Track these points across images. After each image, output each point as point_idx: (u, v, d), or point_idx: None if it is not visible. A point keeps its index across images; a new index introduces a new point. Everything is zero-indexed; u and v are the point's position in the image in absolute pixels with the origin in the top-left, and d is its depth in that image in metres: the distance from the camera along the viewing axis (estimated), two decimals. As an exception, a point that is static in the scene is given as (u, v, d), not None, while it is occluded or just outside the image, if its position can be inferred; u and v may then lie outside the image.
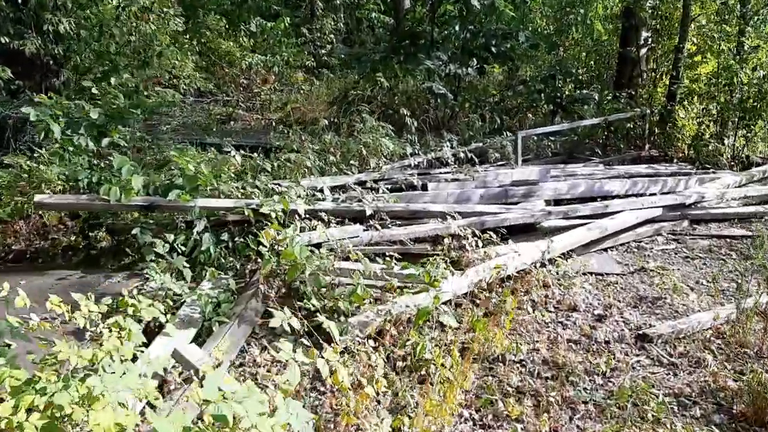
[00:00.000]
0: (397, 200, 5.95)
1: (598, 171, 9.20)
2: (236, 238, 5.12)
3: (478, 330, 4.03)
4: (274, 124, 8.74)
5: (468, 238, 5.43)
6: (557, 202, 7.51)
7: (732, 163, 10.26)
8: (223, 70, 17.27)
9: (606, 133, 11.67)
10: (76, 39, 8.75)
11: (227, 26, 17.36)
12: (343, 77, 16.03)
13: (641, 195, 7.99)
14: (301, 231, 5.20)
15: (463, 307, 4.80)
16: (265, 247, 4.51)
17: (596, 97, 11.66)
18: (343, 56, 12.94)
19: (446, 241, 5.38)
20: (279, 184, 6.40)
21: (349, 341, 4.00)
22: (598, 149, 10.92)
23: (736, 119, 10.51)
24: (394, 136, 9.31)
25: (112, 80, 5.94)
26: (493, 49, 11.65)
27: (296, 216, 5.35)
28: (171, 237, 5.07)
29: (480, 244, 5.54)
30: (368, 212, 5.59)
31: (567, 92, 12.89)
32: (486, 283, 5.00)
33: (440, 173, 8.32)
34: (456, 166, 8.59)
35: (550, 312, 5.07)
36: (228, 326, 4.11)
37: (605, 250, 6.49)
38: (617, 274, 5.88)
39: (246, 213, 5.05)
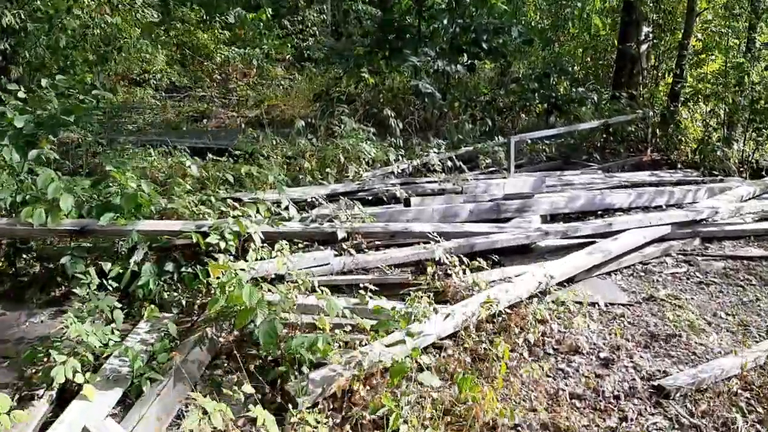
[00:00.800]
0: (374, 219, 5.30)
1: (597, 179, 8.59)
2: (183, 268, 4.45)
3: (464, 390, 3.39)
4: (243, 126, 8.04)
5: (455, 266, 4.79)
6: (554, 217, 6.92)
7: (741, 169, 9.68)
8: (199, 65, 16.53)
9: (605, 135, 11.06)
10: (23, 33, 8.03)
11: (204, 17, 16.59)
12: (327, 72, 15.33)
13: (646, 208, 7.41)
14: (261, 259, 4.54)
15: (448, 352, 4.17)
16: (212, 283, 3.85)
17: (594, 97, 11.03)
18: (325, 49, 12.23)
19: (430, 270, 4.73)
20: (240, 199, 5.73)
21: (308, 403, 3.36)
22: (596, 154, 10.30)
23: (746, 122, 9.92)
24: (376, 139, 8.67)
25: (44, 81, 5.18)
26: (484, 44, 11.01)
27: (254, 241, 4.69)
28: (108, 266, 4.40)
29: (468, 271, 4.90)
30: (340, 235, 4.94)
31: (562, 91, 12.28)
32: (475, 320, 4.37)
33: (426, 182, 7.67)
34: (444, 173, 7.94)
35: (549, 354, 4.45)
36: (161, 385, 3.45)
37: (608, 274, 5.87)
38: (624, 305, 5.26)
39: (194, 239, 4.38)
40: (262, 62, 16.75)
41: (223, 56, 15.35)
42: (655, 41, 12.31)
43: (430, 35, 11.97)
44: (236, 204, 5.46)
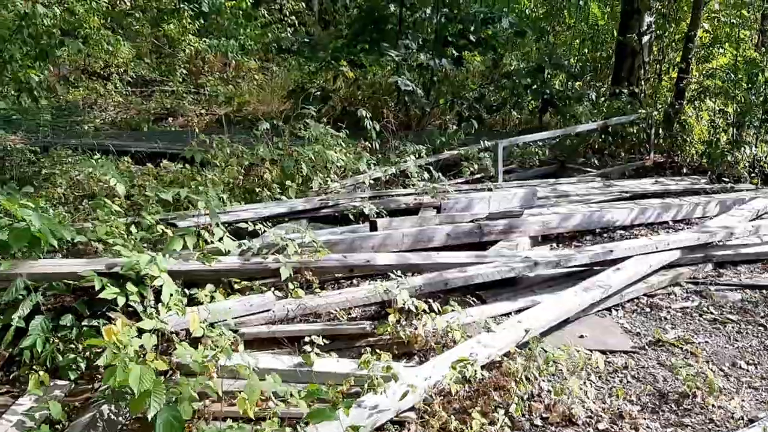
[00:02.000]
0: (327, 251, 4.50)
1: (595, 189, 7.84)
2: (86, 320, 3.66)
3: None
4: (197, 131, 7.25)
5: (421, 314, 4.03)
6: (546, 237, 6.16)
7: (752, 174, 8.95)
8: (167, 57, 15.68)
9: (603, 136, 10.30)
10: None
11: (177, 4, 15.71)
12: (304, 66, 14.50)
13: (651, 224, 6.67)
14: (181, 307, 3.76)
15: (410, 430, 3.40)
16: (112, 349, 3.06)
17: (593, 95, 10.26)
18: (302, 41, 11.42)
19: (392, 318, 3.96)
20: (175, 224, 4.95)
21: None
22: (594, 158, 9.54)
23: (758, 122, 9.17)
24: (350, 143, 7.88)
25: None
26: (472, 36, 10.24)
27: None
28: (-7, 317, 3.62)
29: (439, 316, 4.14)
30: (285, 274, 4.15)
31: (558, 87, 11.53)
32: (446, 384, 3.60)
33: (401, 195, 6.90)
34: (423, 182, 7.17)
35: (537, 426, 3.68)
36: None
37: (608, 310, 5.11)
38: (626, 352, 4.51)
39: (97, 284, 3.60)
40: (237, 54, 15.94)
41: (192, 48, 14.48)
42: (658, 32, 11.55)
43: (412, 26, 11.19)
44: (168, 231, 4.69)
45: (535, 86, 10.62)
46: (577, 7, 13.01)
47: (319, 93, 10.79)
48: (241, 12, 16.90)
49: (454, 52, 11.01)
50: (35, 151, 7.28)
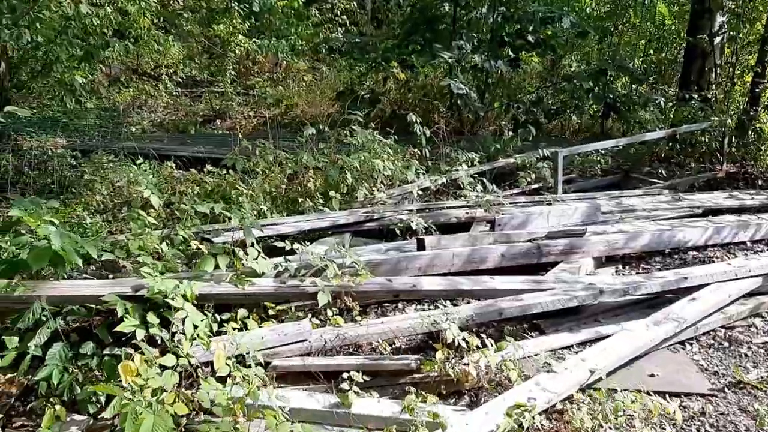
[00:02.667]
0: (369, 274, 4.13)
1: (663, 202, 7.29)
2: (107, 349, 3.41)
3: None
4: (240, 137, 7.01)
5: (473, 349, 3.64)
6: (611, 258, 5.68)
7: (838, 189, 8.23)
8: (218, 58, 15.62)
9: (670, 144, 9.67)
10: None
11: (229, 4, 15.63)
12: (355, 66, 14.19)
13: (726, 245, 6.11)
14: (210, 337, 3.47)
15: (457, 487, 3.03)
16: (122, 395, 2.78)
17: (660, 100, 9.64)
18: (352, 41, 11.11)
19: (440, 355, 3.58)
20: (210, 240, 4.68)
21: None
22: (661, 167, 8.94)
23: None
24: (397, 149, 7.52)
25: None
26: (531, 36, 9.73)
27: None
28: (12, 341, 3.39)
29: (493, 351, 3.74)
30: (322, 301, 3.82)
31: (621, 90, 10.92)
32: (499, 432, 3.21)
33: (452, 207, 6.51)
34: (475, 194, 6.75)
35: (602, 485, 3.27)
36: None
37: (681, 343, 4.61)
38: (702, 395, 4.02)
39: (119, 311, 3.34)
40: (287, 55, 15.77)
41: (242, 48, 14.36)
42: (731, 33, 10.80)
43: (467, 25, 10.75)
44: (202, 246, 4.43)
45: (597, 90, 10.02)
46: (643, 5, 12.32)
47: (368, 96, 10.46)
48: (292, 11, 16.76)
49: (510, 52, 10.54)
50: (76, 156, 7.16)
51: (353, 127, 7.03)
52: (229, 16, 14.33)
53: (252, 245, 4.03)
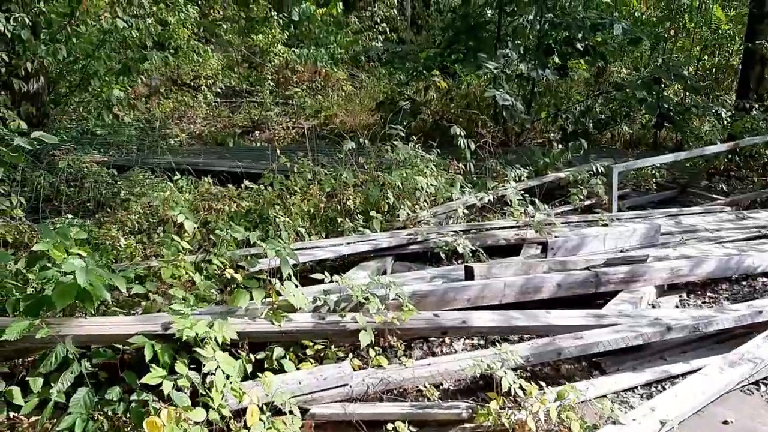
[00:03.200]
0: (414, 310, 3.81)
1: (726, 222, 6.84)
2: (134, 395, 3.17)
3: None
4: (278, 152, 6.78)
5: (530, 395, 3.31)
6: (673, 286, 5.27)
7: None
8: (257, 67, 15.53)
9: (729, 156, 9.14)
10: (18, 41, 7.11)
11: (269, 14, 15.54)
12: (395, 75, 13.92)
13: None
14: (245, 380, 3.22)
15: None
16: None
17: (721, 110, 9.12)
18: (392, 49, 10.85)
19: (494, 405, 3.25)
20: (244, 267, 4.44)
21: None
22: (720, 182, 8.43)
23: None
24: (440, 162, 7.22)
25: None
26: (579, 45, 9.32)
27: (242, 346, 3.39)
28: (37, 383, 3.18)
29: (551, 400, 3.40)
30: (365, 341, 3.53)
31: (672, 97, 10.41)
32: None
33: (500, 228, 6.16)
34: (524, 213, 6.39)
35: None
36: None
37: (756, 384, 4.19)
38: (786, 448, 3.62)
39: (148, 355, 3.10)
40: (326, 64, 15.60)
41: (281, 58, 14.22)
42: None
43: (512, 33, 10.39)
44: (237, 275, 4.19)
45: (650, 99, 9.54)
46: (698, 9, 11.75)
47: (408, 106, 10.17)
48: (331, 19, 16.60)
49: (557, 60, 10.14)
50: (112, 173, 7.02)
51: (394, 142, 6.74)
52: (268, 25, 14.20)
53: (288, 278, 3.76)
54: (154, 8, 11.33)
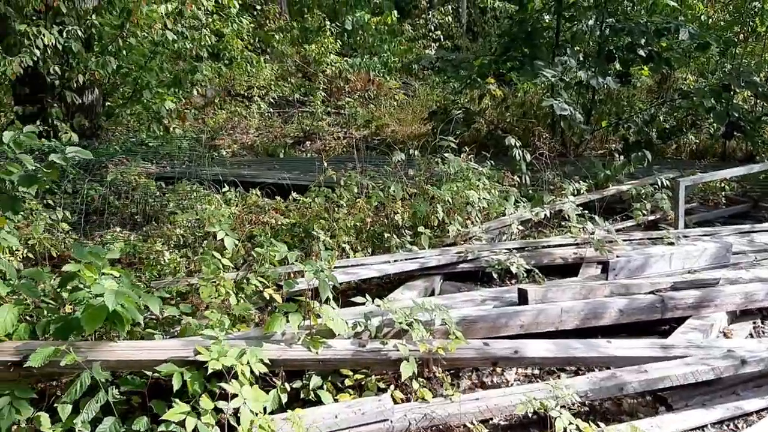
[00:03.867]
0: (462, 339, 3.54)
1: (805, 239, 6.31)
2: (163, 426, 3.01)
3: None
4: (325, 165, 6.62)
5: (589, 439, 3.01)
6: (746, 311, 4.84)
7: None
8: (310, 77, 15.51)
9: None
10: (69, 53, 7.17)
11: (323, 24, 15.53)
12: (449, 83, 13.64)
13: None
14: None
15: None
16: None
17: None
18: (440, 59, 10.60)
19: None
20: (281, 286, 4.25)
21: None
22: (798, 195, 7.88)
23: None
24: (493, 175, 6.92)
25: (5, 135, 3.74)
26: (642, 51, 8.88)
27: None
28: (65, 410, 3.06)
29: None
30: (407, 373, 3.28)
31: (745, 106, 9.82)
32: None
33: (557, 245, 5.83)
34: (582, 230, 6.02)
35: None
36: None
37: None
38: None
39: (176, 385, 2.93)
40: (379, 72, 15.47)
41: (333, 68, 14.14)
42: None
43: (571, 39, 10.01)
44: (276, 295, 4.02)
45: (718, 107, 8.99)
46: (771, 11, 11.09)
47: (462, 115, 9.89)
48: (385, 27, 16.47)
49: (618, 67, 9.70)
50: (159, 185, 7.00)
51: (445, 154, 6.49)
52: (322, 35, 14.15)
53: (327, 301, 3.55)
54: (209, 19, 11.41)
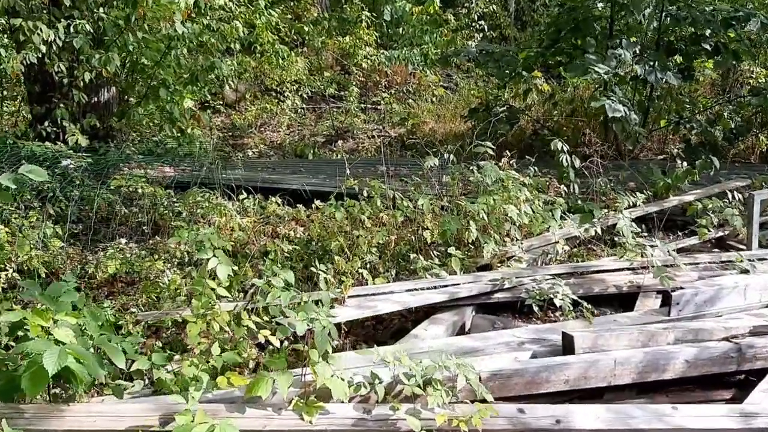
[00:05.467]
0: (488, 401, 2.90)
1: None
2: None
3: None
4: (348, 172, 6.03)
5: None
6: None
7: None
8: (345, 71, 14.92)
9: None
10: (77, 51, 6.72)
11: (362, 15, 14.91)
12: (493, 76, 12.83)
13: None
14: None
15: None
16: None
17: None
18: (480, 52, 9.84)
19: None
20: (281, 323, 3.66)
21: None
22: None
23: None
24: (537, 185, 6.23)
25: None
26: (706, 44, 8.02)
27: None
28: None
29: None
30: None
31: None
32: None
33: (607, 271, 5.10)
34: (639, 252, 5.27)
35: None
36: None
37: None
38: None
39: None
40: (418, 66, 14.78)
41: (369, 61, 13.49)
42: None
43: (625, 30, 9.16)
44: (273, 337, 3.46)
45: (793, 106, 8.08)
46: None
47: (505, 113, 9.15)
48: (427, 17, 15.75)
49: (680, 60, 8.82)
50: (168, 193, 6.50)
51: (480, 162, 5.81)
52: (359, 26, 13.51)
53: (326, 356, 2.95)
54: (239, 10, 10.92)
